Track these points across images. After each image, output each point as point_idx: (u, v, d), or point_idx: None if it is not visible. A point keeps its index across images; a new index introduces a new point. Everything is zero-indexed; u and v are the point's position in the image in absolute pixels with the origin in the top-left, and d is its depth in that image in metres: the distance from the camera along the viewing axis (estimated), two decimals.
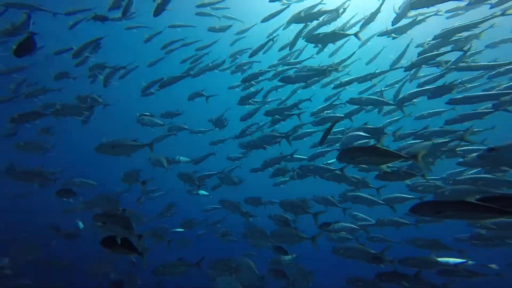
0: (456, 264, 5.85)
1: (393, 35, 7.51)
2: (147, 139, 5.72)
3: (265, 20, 8.20)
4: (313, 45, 7.93)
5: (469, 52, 6.34)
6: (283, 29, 8.51)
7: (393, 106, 7.48)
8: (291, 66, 7.76)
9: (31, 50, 4.88)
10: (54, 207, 9.50)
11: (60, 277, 10.89)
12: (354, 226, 7.44)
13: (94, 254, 8.17)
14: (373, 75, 7.54)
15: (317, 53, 8.41)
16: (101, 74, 8.25)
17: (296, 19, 6.74)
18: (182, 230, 10.55)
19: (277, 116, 7.56)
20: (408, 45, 8.19)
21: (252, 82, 8.17)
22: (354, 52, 8.18)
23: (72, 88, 8.34)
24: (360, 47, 9.84)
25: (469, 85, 7.11)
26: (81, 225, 9.31)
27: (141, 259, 4.12)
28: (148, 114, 7.80)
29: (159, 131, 8.45)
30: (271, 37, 8.88)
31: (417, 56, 6.81)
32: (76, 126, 7.96)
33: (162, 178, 12.74)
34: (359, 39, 6.17)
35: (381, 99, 6.77)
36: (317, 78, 6.93)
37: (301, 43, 8.13)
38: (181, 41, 9.78)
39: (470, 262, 5.95)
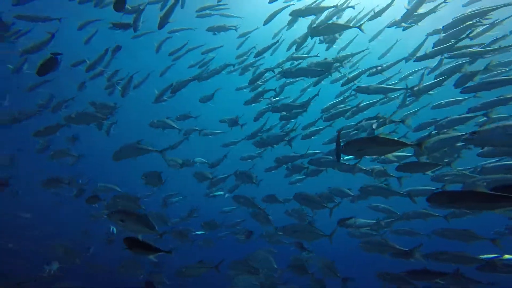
0: (495, 259, 5.53)
1: (403, 24, 7.38)
2: (162, 141, 5.98)
3: (266, 22, 8.25)
4: (322, 44, 7.99)
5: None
6: (287, 29, 8.52)
7: (410, 99, 7.39)
8: (298, 62, 7.76)
9: (54, 69, 5.11)
10: (83, 214, 10.03)
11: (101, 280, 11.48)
12: (375, 221, 7.19)
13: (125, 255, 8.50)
14: (381, 69, 7.42)
15: (326, 49, 8.40)
16: (119, 84, 8.73)
17: (296, 13, 6.74)
18: (204, 232, 10.79)
19: (284, 112, 7.57)
20: (426, 38, 7.95)
21: (259, 82, 8.23)
22: (365, 49, 8.01)
23: (90, 97, 8.74)
24: (371, 40, 9.72)
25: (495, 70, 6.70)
26: (114, 229, 9.65)
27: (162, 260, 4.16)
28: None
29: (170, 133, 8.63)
30: (276, 38, 8.96)
31: (433, 47, 6.63)
32: (95, 131, 8.29)
33: (180, 183, 13.16)
34: (361, 31, 6.10)
35: (389, 86, 6.61)
36: (324, 74, 6.82)
37: (309, 43, 8.17)
38: (186, 46, 9.97)
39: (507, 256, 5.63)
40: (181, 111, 9.10)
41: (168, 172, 8.27)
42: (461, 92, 6.13)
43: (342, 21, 7.62)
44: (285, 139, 7.24)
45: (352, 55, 7.46)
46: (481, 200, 3.08)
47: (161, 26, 6.29)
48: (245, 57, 9.77)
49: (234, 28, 9.08)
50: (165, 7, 6.27)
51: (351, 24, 6.10)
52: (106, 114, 6.77)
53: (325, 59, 6.66)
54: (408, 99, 7.55)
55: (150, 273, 8.40)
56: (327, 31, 6.18)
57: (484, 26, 6.52)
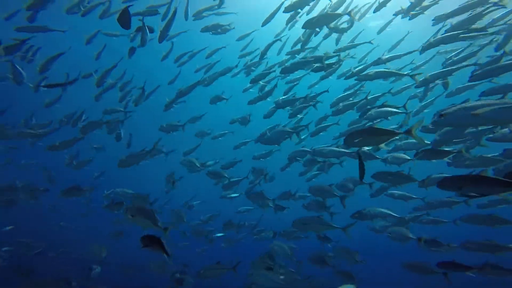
0: None
1: (411, 12, 7.21)
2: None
3: (264, 23, 8.16)
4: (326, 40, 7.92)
5: None
6: (289, 29, 8.51)
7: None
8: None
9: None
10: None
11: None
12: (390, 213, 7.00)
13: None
14: (386, 60, 7.29)
15: (336, 44, 8.35)
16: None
17: (288, 8, 6.68)
18: (223, 234, 11.03)
19: (288, 107, 7.60)
20: (439, 29, 7.61)
21: (261, 82, 8.27)
22: (368, 41, 7.81)
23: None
24: (379, 32, 9.53)
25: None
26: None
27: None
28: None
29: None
30: (278, 37, 8.92)
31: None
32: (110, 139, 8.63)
33: (197, 187, 13.43)
34: (352, 18, 6.08)
35: (391, 70, 6.48)
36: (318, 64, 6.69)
37: (314, 40, 8.12)
38: (189, 52, 10.03)
39: None
40: (184, 114, 9.28)
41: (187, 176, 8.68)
42: (469, 81, 6.01)
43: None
44: (286, 136, 7.23)
45: (351, 47, 7.39)
46: (487, 185, 3.30)
47: (161, 39, 6.44)
48: (248, 57, 9.78)
49: (228, 26, 9.02)
50: (165, 19, 6.38)
51: (340, 12, 6.07)
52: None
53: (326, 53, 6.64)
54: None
55: (180, 272, 8.54)
56: (320, 22, 6.12)
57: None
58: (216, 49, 10.23)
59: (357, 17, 6.14)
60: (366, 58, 8.54)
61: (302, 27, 6.34)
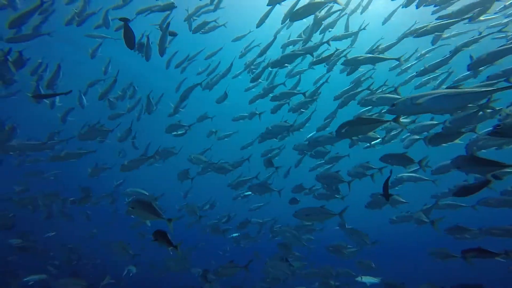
0: None
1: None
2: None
3: (259, 24, 8.16)
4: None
5: None
6: (287, 28, 8.47)
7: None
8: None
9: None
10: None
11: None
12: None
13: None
14: (383, 48, 7.19)
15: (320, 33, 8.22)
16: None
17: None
18: (238, 234, 11.26)
19: (284, 100, 7.66)
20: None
21: (260, 80, 8.36)
22: (361, 29, 7.78)
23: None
24: (384, 23, 9.31)
25: None
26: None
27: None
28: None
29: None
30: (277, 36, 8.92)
31: None
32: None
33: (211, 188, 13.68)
34: (338, 3, 6.05)
35: (379, 56, 6.38)
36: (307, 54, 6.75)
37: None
38: (187, 57, 10.17)
39: None
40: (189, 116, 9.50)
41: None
42: (468, 70, 5.97)
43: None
44: (285, 130, 7.45)
45: (343, 37, 7.32)
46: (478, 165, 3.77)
47: (162, 53, 6.61)
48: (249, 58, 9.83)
49: (215, 22, 9.08)
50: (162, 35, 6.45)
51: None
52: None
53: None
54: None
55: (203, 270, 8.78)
56: (306, 12, 6.08)
57: None
58: (216, 50, 10.31)
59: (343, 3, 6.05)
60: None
61: (290, 20, 6.34)
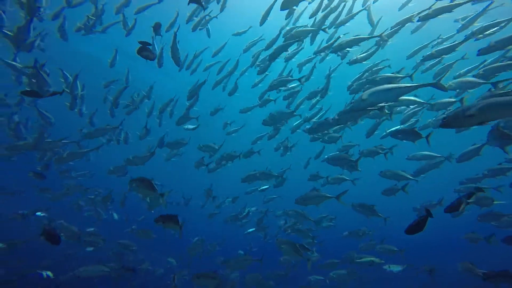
0: None
1: None
2: None
3: (262, 22, 8.14)
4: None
5: None
6: (293, 24, 8.53)
7: None
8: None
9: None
10: None
11: None
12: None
13: None
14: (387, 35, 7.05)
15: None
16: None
17: None
18: (254, 229, 11.40)
19: (282, 88, 7.80)
20: None
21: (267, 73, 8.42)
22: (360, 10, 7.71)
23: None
24: (401, 9, 9.04)
25: None
26: None
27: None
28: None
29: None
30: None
31: None
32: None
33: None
34: None
35: (361, 36, 6.33)
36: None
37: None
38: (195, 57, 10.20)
39: None
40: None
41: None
42: (477, 55, 5.98)
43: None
44: (287, 117, 7.50)
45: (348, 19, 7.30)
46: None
47: (160, 66, 6.89)
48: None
49: (209, 15, 9.12)
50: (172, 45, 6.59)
51: None
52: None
53: None
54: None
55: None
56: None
57: None
58: (221, 46, 10.42)
59: None
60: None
61: (280, 9, 6.30)
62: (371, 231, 9.43)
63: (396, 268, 8.38)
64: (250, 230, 11.72)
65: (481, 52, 5.82)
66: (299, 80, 7.60)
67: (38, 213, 12.52)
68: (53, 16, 7.85)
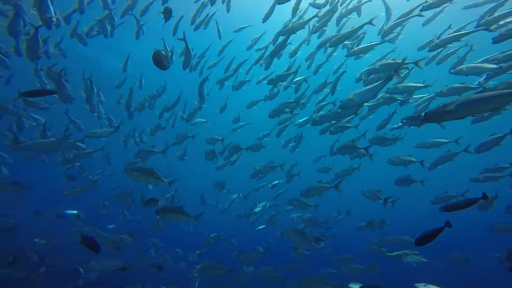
0: None
1: None
2: None
3: (265, 19, 8.15)
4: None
5: None
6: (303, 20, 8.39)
7: None
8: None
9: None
10: None
11: None
12: None
13: None
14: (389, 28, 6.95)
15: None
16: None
17: None
18: (264, 226, 11.59)
19: (281, 82, 7.84)
20: None
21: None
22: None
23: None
24: None
25: None
26: None
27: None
28: None
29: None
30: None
31: None
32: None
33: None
34: None
35: (352, 28, 6.47)
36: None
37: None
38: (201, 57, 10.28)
39: None
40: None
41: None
42: (493, 43, 5.91)
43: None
44: (289, 107, 7.62)
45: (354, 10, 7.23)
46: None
47: (186, 67, 7.08)
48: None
49: (207, 14, 9.14)
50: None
51: None
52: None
53: None
54: None
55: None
56: None
57: None
58: (225, 43, 10.46)
59: None
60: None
61: (278, 3, 6.44)
62: (388, 221, 9.44)
63: (416, 259, 8.32)
64: (260, 227, 11.90)
65: (496, 40, 5.76)
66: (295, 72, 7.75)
67: (71, 212, 13.39)
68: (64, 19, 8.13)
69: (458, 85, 6.36)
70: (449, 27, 7.89)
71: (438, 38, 7.10)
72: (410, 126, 6.59)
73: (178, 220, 4.96)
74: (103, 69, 18.15)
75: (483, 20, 6.15)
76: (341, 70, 8.73)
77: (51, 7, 5.95)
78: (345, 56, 7.19)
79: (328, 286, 5.77)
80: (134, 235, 9.47)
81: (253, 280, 9.67)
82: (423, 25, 8.86)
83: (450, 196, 8.05)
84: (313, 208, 7.10)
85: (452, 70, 6.56)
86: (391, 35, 7.59)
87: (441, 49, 7.22)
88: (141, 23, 9.19)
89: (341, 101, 4.85)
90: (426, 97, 7.61)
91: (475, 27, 6.32)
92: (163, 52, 5.08)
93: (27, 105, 7.93)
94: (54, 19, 6.13)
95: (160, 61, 4.71)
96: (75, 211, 12.64)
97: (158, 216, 4.98)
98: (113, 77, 11.32)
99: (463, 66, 6.35)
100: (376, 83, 4.66)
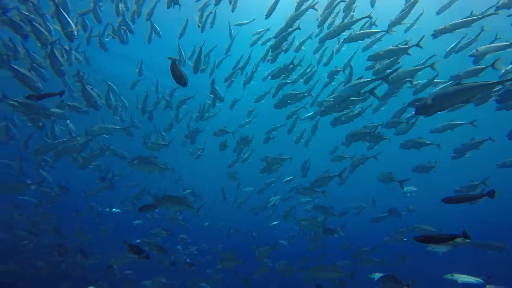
0: None
1: None
2: None
3: (268, 15, 8.06)
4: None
5: None
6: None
7: None
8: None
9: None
10: None
11: None
12: None
13: None
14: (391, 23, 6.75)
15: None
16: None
17: None
18: (278, 222, 11.73)
19: (282, 76, 7.88)
20: None
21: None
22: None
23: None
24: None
25: None
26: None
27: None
28: None
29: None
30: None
31: None
32: None
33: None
34: None
35: (351, 20, 6.47)
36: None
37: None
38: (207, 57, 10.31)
39: None
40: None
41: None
42: None
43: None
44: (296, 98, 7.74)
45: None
46: None
47: (196, 71, 7.40)
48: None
49: (211, 12, 9.13)
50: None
51: None
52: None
53: None
54: None
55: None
56: None
57: None
58: (230, 42, 10.45)
59: None
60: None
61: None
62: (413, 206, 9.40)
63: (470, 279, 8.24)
64: (275, 223, 12.04)
65: None
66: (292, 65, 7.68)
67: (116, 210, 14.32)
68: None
69: (475, 67, 6.18)
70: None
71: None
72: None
73: (179, 210, 5.19)
74: (101, 70, 18.54)
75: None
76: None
77: (70, 20, 6.16)
78: (344, 41, 7.04)
79: (339, 273, 5.74)
80: (168, 231, 10.00)
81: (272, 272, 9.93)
82: (437, 13, 8.53)
83: (475, 185, 7.76)
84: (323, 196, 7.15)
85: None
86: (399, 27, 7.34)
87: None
88: (158, 29, 9.57)
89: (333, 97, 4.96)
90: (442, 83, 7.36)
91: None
92: (179, 59, 4.99)
93: (70, 110, 8.13)
94: (75, 33, 6.37)
95: (181, 76, 4.37)
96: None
97: (129, 167, 5.29)
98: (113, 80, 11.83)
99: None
100: (358, 81, 4.80)
